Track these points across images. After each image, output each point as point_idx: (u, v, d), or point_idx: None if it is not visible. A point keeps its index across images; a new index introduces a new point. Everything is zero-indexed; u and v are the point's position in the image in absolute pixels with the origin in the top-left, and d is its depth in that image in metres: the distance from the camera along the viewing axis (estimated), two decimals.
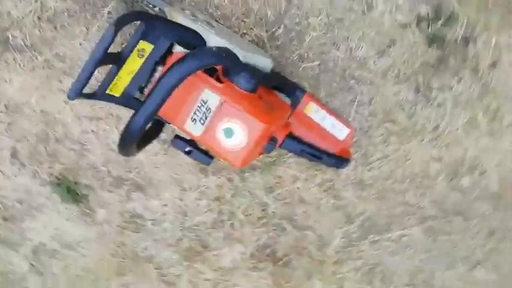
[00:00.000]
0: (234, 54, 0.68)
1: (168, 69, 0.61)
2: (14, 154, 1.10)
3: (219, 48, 0.65)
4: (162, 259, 1.21)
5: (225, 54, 0.65)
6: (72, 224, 1.20)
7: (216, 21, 0.84)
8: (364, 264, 1.15)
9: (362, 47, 0.86)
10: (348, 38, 0.85)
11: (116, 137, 1.04)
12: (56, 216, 1.19)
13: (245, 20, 0.84)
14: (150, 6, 0.76)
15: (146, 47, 0.67)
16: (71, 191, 1.14)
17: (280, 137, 0.78)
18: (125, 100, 0.73)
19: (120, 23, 0.60)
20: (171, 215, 1.14)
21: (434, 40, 0.83)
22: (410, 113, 0.91)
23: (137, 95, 0.74)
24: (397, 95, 0.90)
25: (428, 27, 0.82)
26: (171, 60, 0.70)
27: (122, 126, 0.61)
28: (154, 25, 0.67)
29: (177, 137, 0.76)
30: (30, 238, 1.25)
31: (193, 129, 0.70)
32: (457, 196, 1.01)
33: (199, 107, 0.68)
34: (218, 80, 0.69)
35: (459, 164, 0.97)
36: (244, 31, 0.85)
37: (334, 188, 1.03)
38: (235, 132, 0.68)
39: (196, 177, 1.07)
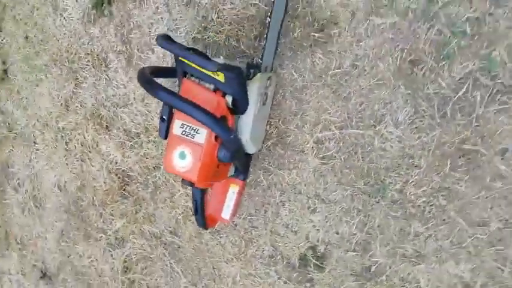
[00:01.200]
0: (240, 142, 0.89)
1: (206, 112, 0.78)
2: None
3: (238, 141, 0.87)
4: (80, 96, 1.38)
5: (237, 146, 0.91)
6: (74, 10, 1.30)
7: (272, 102, 1.02)
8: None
9: (282, 219, 1.13)
10: (284, 203, 1.11)
11: (162, 28, 1.17)
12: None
13: (281, 123, 1.04)
14: (260, 58, 0.93)
15: (220, 76, 0.83)
16: (102, 3, 1.24)
17: (198, 186, 0.99)
18: (179, 68, 0.90)
19: (223, 68, 0.76)
20: (118, 94, 1.31)
21: (303, 260, 1.12)
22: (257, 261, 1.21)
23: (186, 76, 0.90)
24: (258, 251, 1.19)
25: (310, 256, 1.11)
26: (218, 96, 0.86)
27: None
28: (236, 78, 0.83)
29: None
30: None
31: (175, 128, 0.88)
32: None
33: (191, 127, 0.87)
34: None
35: None
36: (272, 123, 1.05)
37: (186, 216, 1.28)
38: (184, 160, 0.88)
39: (156, 103, 1.25)
